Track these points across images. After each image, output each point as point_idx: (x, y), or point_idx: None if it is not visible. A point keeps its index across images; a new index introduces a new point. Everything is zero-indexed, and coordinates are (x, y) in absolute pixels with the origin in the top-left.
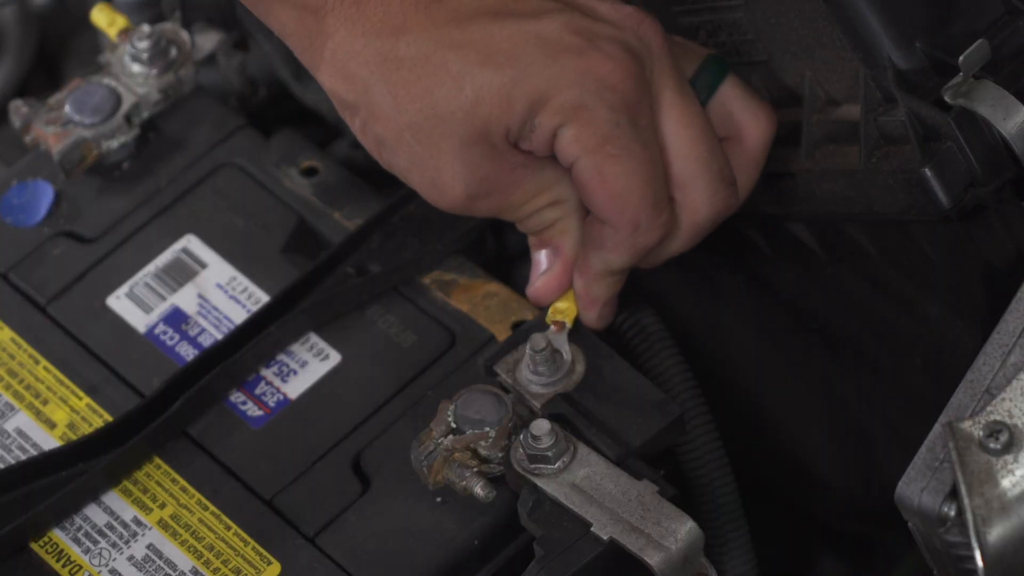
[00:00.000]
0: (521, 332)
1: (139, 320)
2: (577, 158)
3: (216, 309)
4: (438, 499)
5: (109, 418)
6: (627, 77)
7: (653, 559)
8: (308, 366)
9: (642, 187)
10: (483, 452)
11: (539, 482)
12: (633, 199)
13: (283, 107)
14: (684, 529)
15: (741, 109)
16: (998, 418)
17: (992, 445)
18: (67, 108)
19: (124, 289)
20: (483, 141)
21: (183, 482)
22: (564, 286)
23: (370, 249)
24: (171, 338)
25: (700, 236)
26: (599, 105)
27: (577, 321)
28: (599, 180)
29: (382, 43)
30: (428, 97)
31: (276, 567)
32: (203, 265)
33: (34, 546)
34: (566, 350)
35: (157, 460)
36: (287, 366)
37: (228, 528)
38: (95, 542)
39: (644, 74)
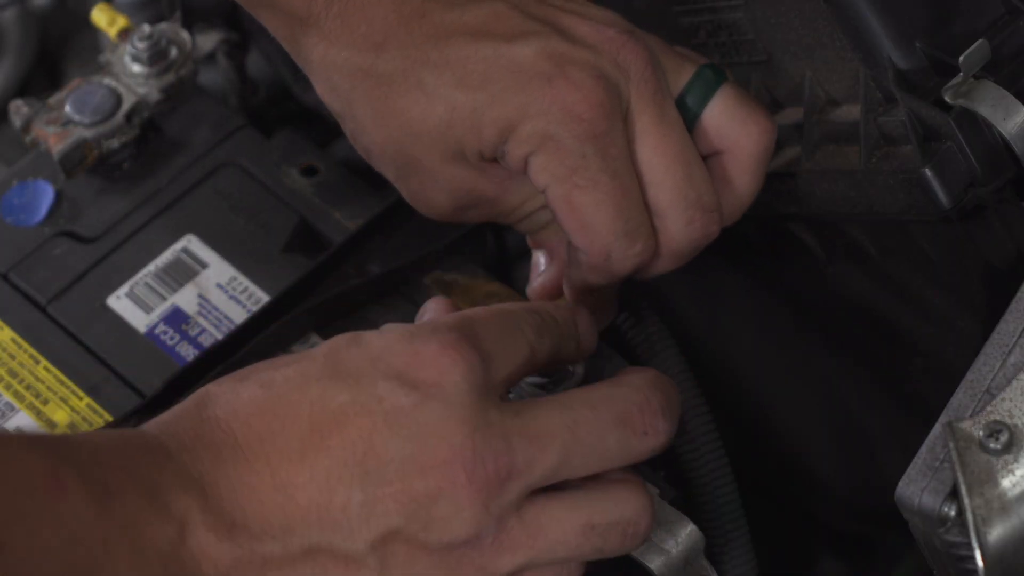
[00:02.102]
0: None
1: (139, 320)
2: (547, 186)
3: (216, 309)
4: None
5: (109, 418)
6: (594, 107)
7: (654, 563)
8: None
9: (611, 218)
10: None
11: None
12: (602, 230)
13: (283, 107)
14: (685, 532)
15: (735, 120)
16: (998, 418)
17: (992, 445)
18: (67, 108)
19: (124, 289)
20: (461, 159)
21: None
22: (562, 287)
23: (370, 249)
24: (171, 338)
25: (683, 259)
26: (565, 135)
27: None
28: (568, 209)
29: (363, 58)
30: (405, 114)
31: None
32: (203, 265)
33: None
34: None
35: None
36: None
37: None
38: None
39: (615, 102)
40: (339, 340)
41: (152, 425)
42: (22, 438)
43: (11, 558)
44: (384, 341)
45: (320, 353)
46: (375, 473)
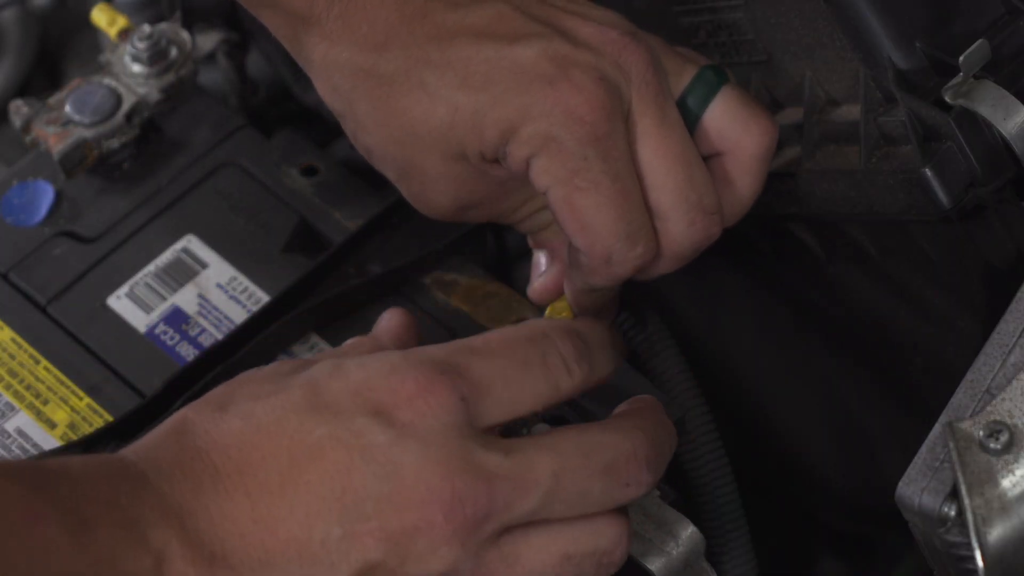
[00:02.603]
0: None
1: (139, 320)
2: (548, 188)
3: (216, 309)
4: None
5: (109, 418)
6: (596, 109)
7: (654, 564)
8: None
9: (612, 221)
10: None
11: None
12: (603, 232)
13: (283, 107)
14: (685, 533)
15: (736, 121)
16: (998, 418)
17: (992, 445)
18: (67, 108)
19: (124, 289)
20: (462, 159)
21: None
22: (562, 287)
23: (370, 249)
24: (171, 338)
25: (684, 261)
26: (567, 138)
27: None
28: (569, 211)
29: (364, 58)
30: (407, 114)
31: None
32: (203, 265)
33: None
34: None
35: None
36: None
37: None
38: None
39: (617, 105)
40: (322, 369)
41: (130, 451)
42: None
43: None
44: (364, 374)
45: (301, 383)
46: (353, 509)
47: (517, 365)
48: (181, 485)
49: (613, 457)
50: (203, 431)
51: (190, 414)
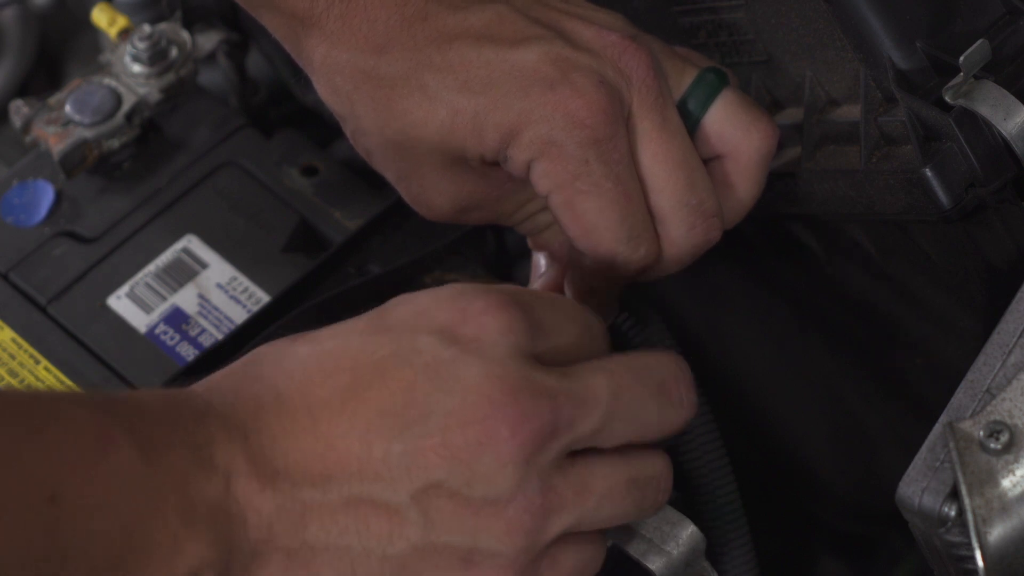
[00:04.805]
0: None
1: (139, 320)
2: (550, 191)
3: (216, 309)
4: None
5: None
6: (596, 113)
7: (655, 564)
8: None
9: (615, 223)
10: None
11: None
12: (607, 235)
13: (283, 107)
14: (686, 533)
15: (737, 125)
16: (998, 418)
17: (992, 445)
18: (68, 108)
19: (124, 289)
20: (462, 162)
21: None
22: (562, 288)
23: (370, 249)
24: (171, 338)
25: (685, 263)
26: (568, 141)
27: None
28: (572, 215)
29: (365, 60)
30: (407, 117)
31: None
32: (204, 265)
33: None
34: None
35: None
36: None
37: None
38: None
39: (617, 108)
40: (391, 300)
41: (199, 385)
42: (71, 395)
43: (64, 511)
44: (431, 297)
45: (370, 312)
46: (415, 425)
47: (566, 314)
48: (243, 408)
49: (663, 377)
50: (270, 359)
51: (264, 347)
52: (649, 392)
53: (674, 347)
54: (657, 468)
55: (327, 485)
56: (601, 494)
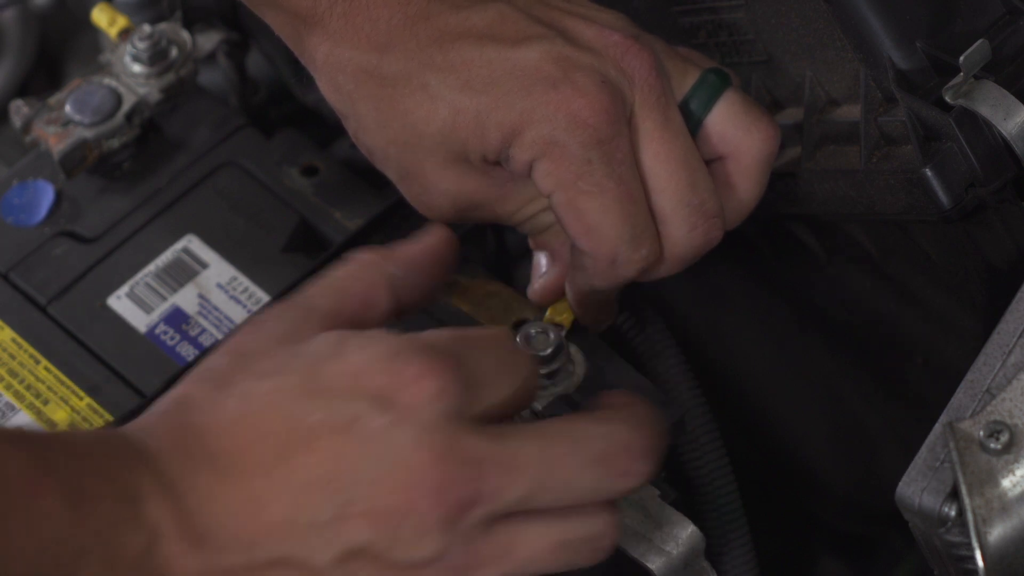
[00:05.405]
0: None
1: (140, 320)
2: (552, 191)
3: (217, 309)
4: None
5: (110, 418)
6: (599, 112)
7: (654, 564)
8: None
9: (617, 223)
10: None
11: None
12: (609, 235)
13: (283, 107)
14: (685, 533)
15: (739, 125)
16: (998, 418)
17: (992, 445)
18: (68, 108)
19: (125, 289)
20: (464, 162)
21: None
22: (563, 288)
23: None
24: (172, 338)
25: (686, 264)
26: (570, 141)
27: (577, 322)
28: (574, 215)
29: (367, 59)
30: (409, 116)
31: None
32: (204, 265)
33: None
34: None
35: None
36: None
37: None
38: None
39: (620, 108)
40: (323, 348)
41: (132, 426)
42: (8, 434)
43: None
44: (365, 357)
45: (301, 366)
46: (343, 493)
47: (506, 364)
48: (177, 463)
49: (605, 447)
50: (202, 410)
51: (191, 389)
52: (584, 463)
53: (674, 347)
54: (597, 528)
55: (252, 550)
56: (526, 557)
